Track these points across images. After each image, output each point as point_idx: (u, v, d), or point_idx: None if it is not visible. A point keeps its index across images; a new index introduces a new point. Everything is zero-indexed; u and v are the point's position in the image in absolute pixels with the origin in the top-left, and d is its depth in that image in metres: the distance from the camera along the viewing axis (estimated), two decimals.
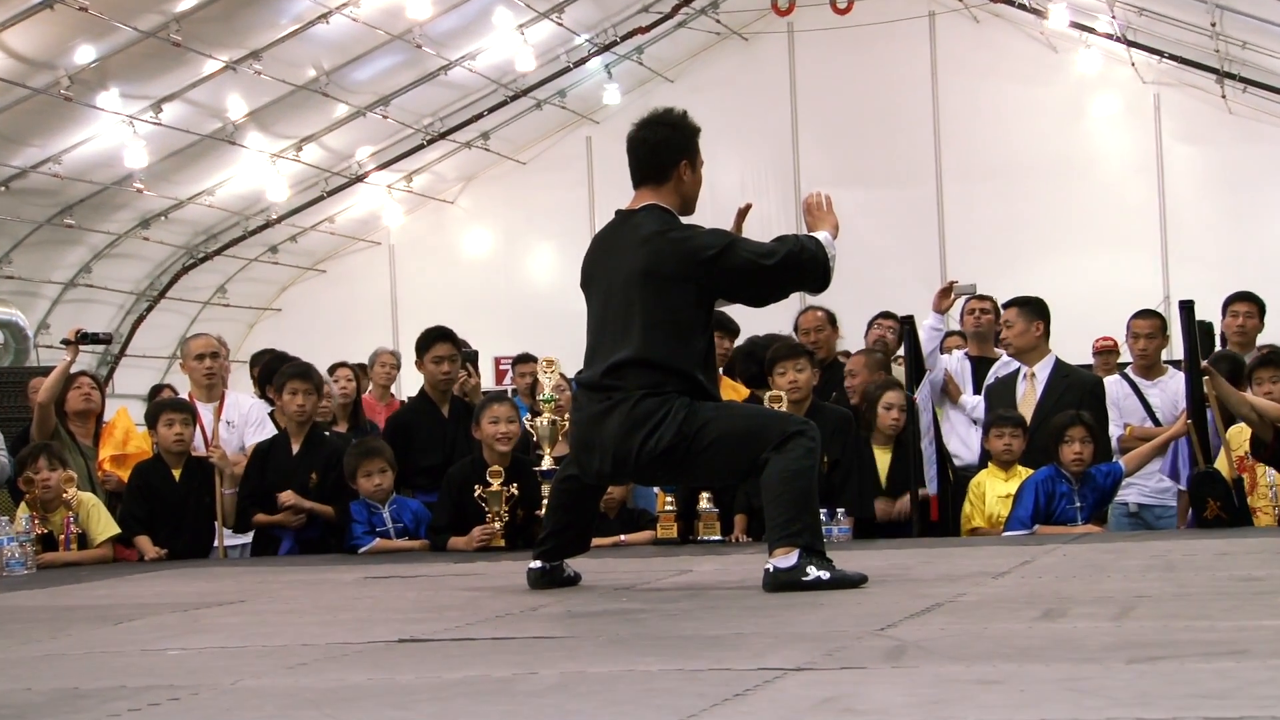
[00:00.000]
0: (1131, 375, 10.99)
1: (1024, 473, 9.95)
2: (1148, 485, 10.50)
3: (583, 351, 7.25)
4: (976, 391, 11.10)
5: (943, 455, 10.67)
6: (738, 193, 27.58)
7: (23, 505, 9.75)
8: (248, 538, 10.39)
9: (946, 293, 11.36)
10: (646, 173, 7.32)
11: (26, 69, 19.74)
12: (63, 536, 9.67)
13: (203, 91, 22.13)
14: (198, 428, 10.40)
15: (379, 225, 28.86)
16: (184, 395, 11.14)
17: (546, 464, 9.48)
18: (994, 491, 10.06)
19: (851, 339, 13.01)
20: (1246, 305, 11.21)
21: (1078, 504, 9.68)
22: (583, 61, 26.02)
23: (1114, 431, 10.48)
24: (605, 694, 4.33)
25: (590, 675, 4.64)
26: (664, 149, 7.29)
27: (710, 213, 25.41)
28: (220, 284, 27.58)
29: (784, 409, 9.56)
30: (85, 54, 20.06)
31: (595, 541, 9.58)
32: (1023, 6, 25.18)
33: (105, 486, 10.41)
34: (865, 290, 16.12)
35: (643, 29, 26.17)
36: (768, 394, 9.78)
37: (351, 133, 25.07)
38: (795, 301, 17.48)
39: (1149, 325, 11.09)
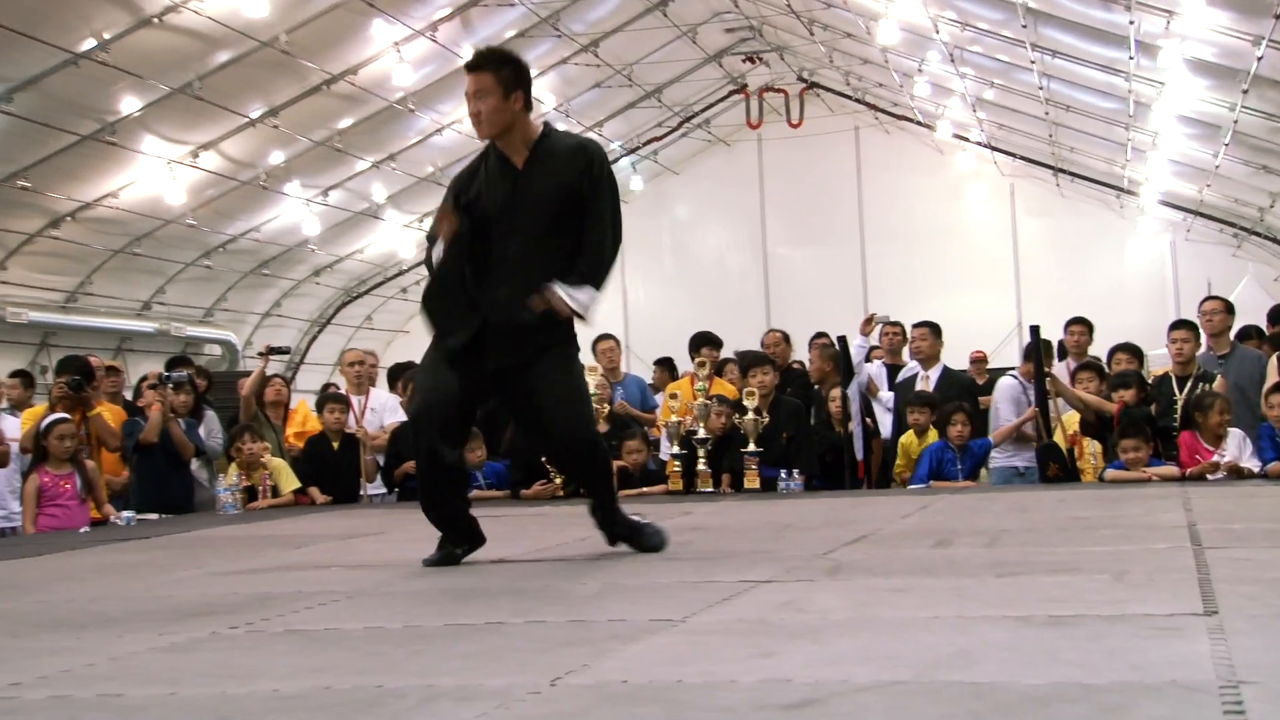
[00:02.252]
0: (1020, 378, 10.78)
1: (933, 434, 9.95)
2: (1029, 454, 10.35)
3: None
4: (891, 389, 11.11)
5: (867, 431, 10.70)
6: (720, 252, 27.79)
7: (233, 466, 9.78)
8: (382, 488, 10.35)
9: (868, 321, 11.54)
10: None
11: (236, 167, 19.84)
12: (261, 489, 9.70)
13: (356, 182, 22.24)
14: (351, 414, 10.41)
15: None
16: (343, 391, 11.13)
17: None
18: (912, 447, 10.11)
19: (800, 351, 12.99)
20: (1080, 326, 11.18)
21: (959, 467, 9.68)
22: (617, 159, 26.05)
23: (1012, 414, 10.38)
24: (633, 598, 4.33)
25: (623, 585, 4.63)
26: None
27: (703, 266, 25.09)
28: (368, 314, 27.65)
29: (756, 400, 9.63)
30: (276, 157, 20.17)
31: (623, 492, 9.63)
32: (919, 123, 25.24)
33: (290, 454, 10.42)
34: (809, 318, 16.11)
35: (657, 138, 26.33)
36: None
37: None
38: (762, 323, 17.67)
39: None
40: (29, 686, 3.18)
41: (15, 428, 9.73)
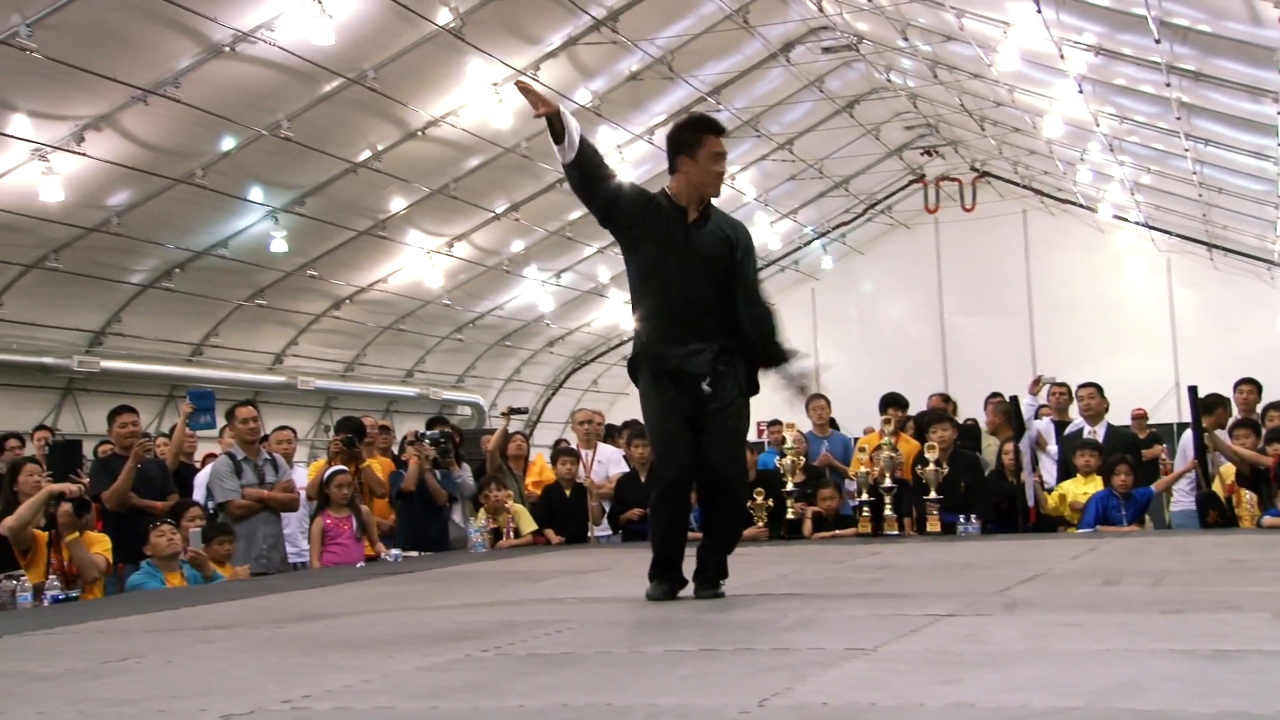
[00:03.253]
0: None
1: (1097, 479, 9.62)
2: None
3: None
4: (1057, 443, 10.80)
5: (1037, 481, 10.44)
6: (901, 322, 27.43)
7: (482, 510, 9.93)
8: (608, 530, 10.36)
9: (1036, 382, 11.25)
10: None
11: (483, 254, 20.36)
12: (505, 530, 9.81)
13: (584, 265, 22.64)
14: (580, 465, 10.49)
15: None
16: (573, 445, 11.24)
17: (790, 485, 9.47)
18: (1075, 490, 9.76)
19: (973, 409, 12.67)
20: (1248, 386, 10.63)
21: (1123, 513, 9.33)
22: (809, 242, 25.97)
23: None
24: (829, 629, 4.26)
25: (820, 618, 4.57)
26: (669, 148, 5.42)
27: (886, 335, 24.83)
28: (594, 379, 27.96)
29: (935, 453, 9.48)
30: (517, 246, 20.64)
31: (817, 534, 9.52)
32: (1082, 205, 24.61)
33: (528, 500, 10.54)
34: (982, 380, 15.73)
35: (845, 223, 26.17)
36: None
37: None
38: (940, 385, 17.29)
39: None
40: (318, 698, 3.27)
41: (304, 478, 10.10)
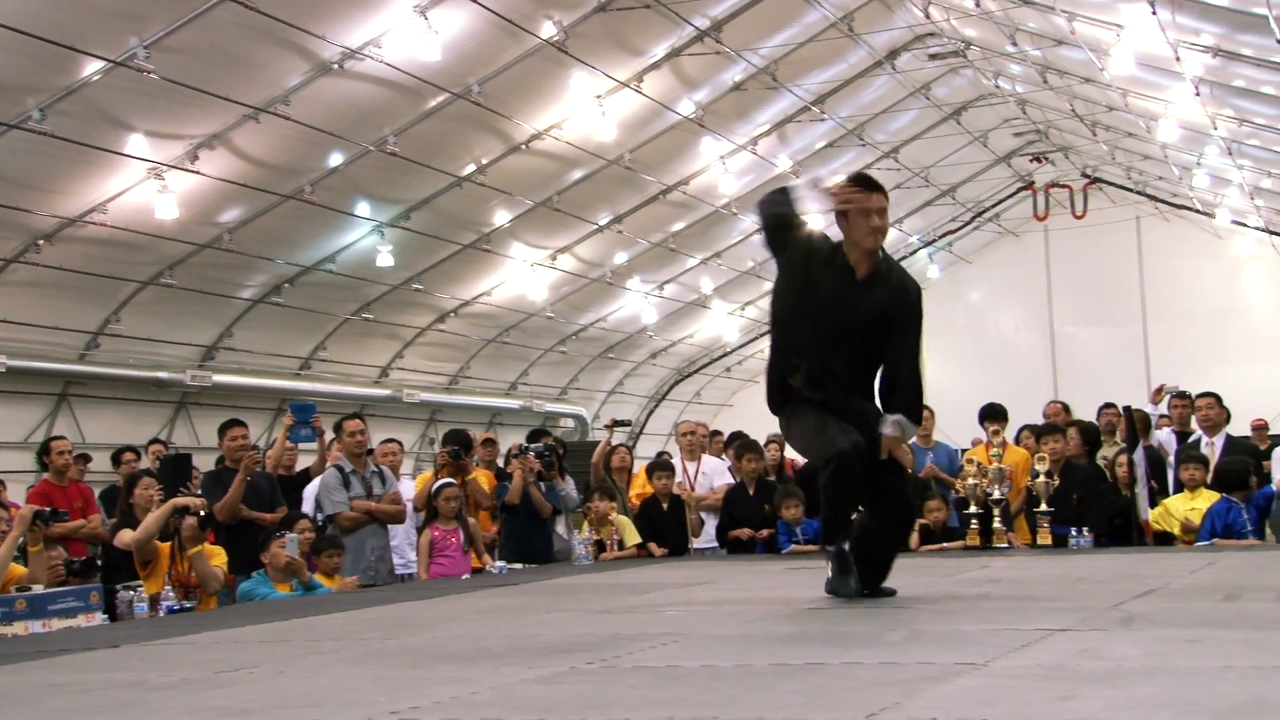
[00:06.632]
0: None
1: (1205, 493, 9.34)
2: None
3: None
4: (1176, 456, 10.57)
5: (1153, 493, 10.19)
6: (1012, 330, 27.02)
7: (586, 523, 9.97)
8: (713, 542, 10.31)
9: (1159, 391, 11.06)
10: None
11: (587, 267, 20.51)
12: (609, 542, 9.83)
13: (687, 277, 22.63)
14: (684, 476, 10.48)
15: None
16: (675, 458, 11.23)
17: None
18: (1179, 506, 9.49)
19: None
20: None
21: (1246, 517, 9.06)
22: (915, 251, 25.70)
23: None
24: (938, 643, 4.21)
25: (928, 631, 4.52)
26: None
27: (994, 345, 24.42)
28: (697, 390, 27.95)
29: (1045, 464, 9.34)
30: (620, 258, 20.75)
31: (925, 547, 9.42)
32: (1198, 211, 24.05)
33: (631, 513, 10.56)
34: (1094, 391, 15.42)
35: (951, 231, 25.87)
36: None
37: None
38: (1051, 396, 16.85)
39: None
40: (425, 710, 3.32)
41: (410, 490, 10.23)
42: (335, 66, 13.07)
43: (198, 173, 13.64)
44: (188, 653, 4.97)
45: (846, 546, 5.49)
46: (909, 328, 5.51)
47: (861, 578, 5.51)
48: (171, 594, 7.32)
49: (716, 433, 13.03)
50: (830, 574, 5.56)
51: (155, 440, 14.34)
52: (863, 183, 5.50)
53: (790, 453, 11.56)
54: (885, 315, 5.43)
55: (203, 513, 7.86)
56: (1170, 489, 10.34)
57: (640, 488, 10.87)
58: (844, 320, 5.41)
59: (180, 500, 7.84)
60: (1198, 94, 15.26)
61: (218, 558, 7.92)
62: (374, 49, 12.96)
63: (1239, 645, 3.87)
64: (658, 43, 15.34)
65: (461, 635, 5.14)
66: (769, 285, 23.56)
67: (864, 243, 5.43)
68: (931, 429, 11.34)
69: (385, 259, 16.87)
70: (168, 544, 7.72)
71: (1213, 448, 10.19)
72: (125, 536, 7.85)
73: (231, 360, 17.65)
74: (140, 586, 7.25)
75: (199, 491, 8.92)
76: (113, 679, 4.26)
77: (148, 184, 13.50)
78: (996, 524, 9.42)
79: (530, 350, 22.74)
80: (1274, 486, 9.58)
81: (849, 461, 5.31)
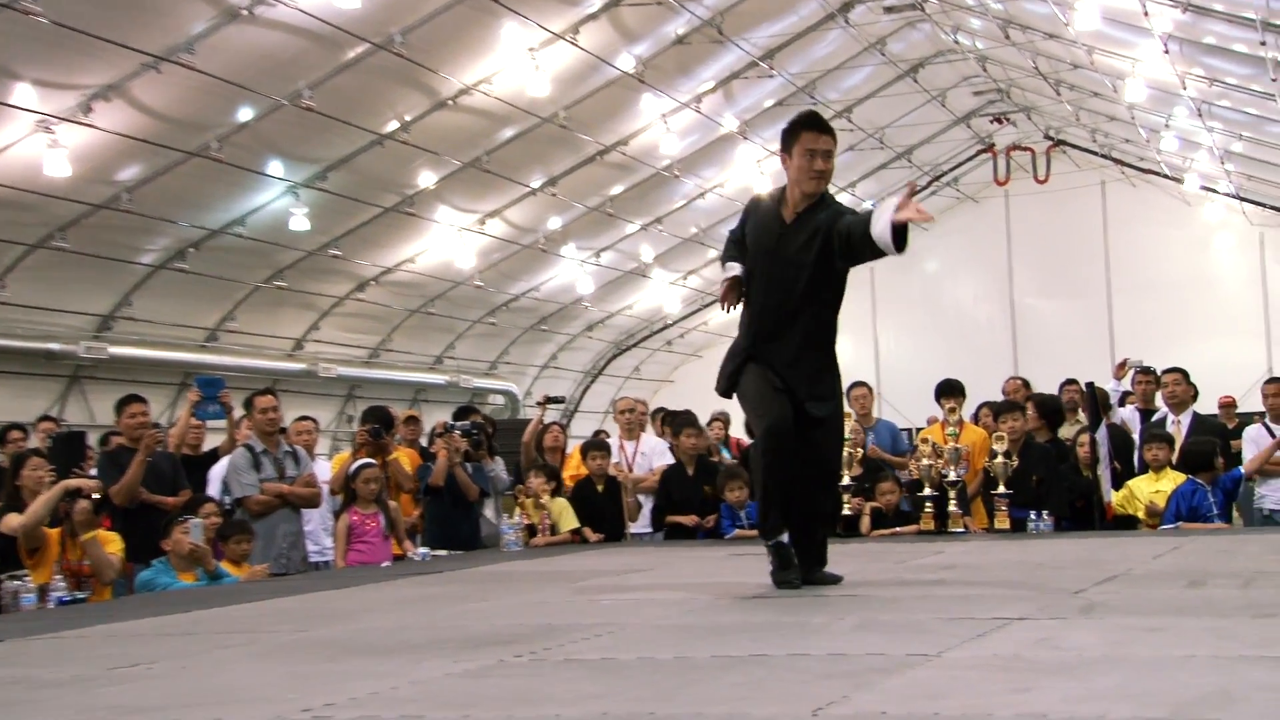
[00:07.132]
0: (1268, 423, 10.30)
1: (1170, 474, 9.48)
2: (1277, 495, 9.89)
3: None
4: (1140, 434, 10.71)
5: (1115, 474, 10.33)
6: (970, 301, 27.29)
7: (517, 506, 9.94)
8: (648, 527, 10.32)
9: (1122, 366, 11.19)
10: None
11: (518, 232, 20.45)
12: (540, 527, 9.81)
13: (626, 244, 22.66)
14: (622, 457, 10.49)
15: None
16: (613, 437, 11.23)
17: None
18: (1144, 488, 9.62)
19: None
20: None
21: (1212, 500, 9.22)
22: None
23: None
24: (889, 633, 4.26)
25: (880, 621, 4.56)
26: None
27: (952, 317, 24.65)
28: (636, 365, 28.01)
29: (1006, 444, 9.44)
30: (554, 223, 20.71)
31: (876, 532, 9.50)
32: (1166, 176, 24.38)
33: (564, 495, 10.53)
34: (1056, 366, 15.61)
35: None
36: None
37: (718, 268, 25.31)
38: (1010, 370, 17.07)
39: (1276, 388, 10.49)
40: (341, 707, 3.30)
41: (326, 471, 10.17)
42: (244, 12, 12.90)
43: (92, 126, 13.42)
44: (79, 647, 4.92)
45: (785, 539, 5.59)
46: (840, 220, 5.44)
47: (800, 559, 5.62)
48: (62, 584, 7.23)
49: (661, 410, 13.03)
50: (772, 567, 5.65)
51: (45, 417, 14.13)
52: (813, 123, 5.58)
53: (736, 431, 11.62)
54: (821, 237, 5.46)
55: (97, 496, 7.75)
56: (1135, 469, 10.49)
57: (574, 469, 10.84)
58: (774, 262, 5.61)
59: (72, 482, 7.73)
60: (1166, 51, 15.44)
61: (113, 545, 7.82)
62: None
63: (1203, 634, 3.94)
64: None
65: (381, 627, 5.12)
66: (713, 254, 23.70)
67: (804, 185, 5.55)
68: (870, 406, 11.40)
69: (300, 222, 16.74)
70: (58, 530, 7.61)
71: (1179, 426, 10.33)
72: (11, 521, 7.71)
73: (130, 331, 17.44)
74: (27, 576, 7.14)
75: (93, 473, 8.80)
76: None
77: (36, 138, 13.27)
78: (952, 507, 9.50)
79: (457, 322, 22.66)
80: (1242, 469, 9.75)
81: (777, 434, 5.50)
